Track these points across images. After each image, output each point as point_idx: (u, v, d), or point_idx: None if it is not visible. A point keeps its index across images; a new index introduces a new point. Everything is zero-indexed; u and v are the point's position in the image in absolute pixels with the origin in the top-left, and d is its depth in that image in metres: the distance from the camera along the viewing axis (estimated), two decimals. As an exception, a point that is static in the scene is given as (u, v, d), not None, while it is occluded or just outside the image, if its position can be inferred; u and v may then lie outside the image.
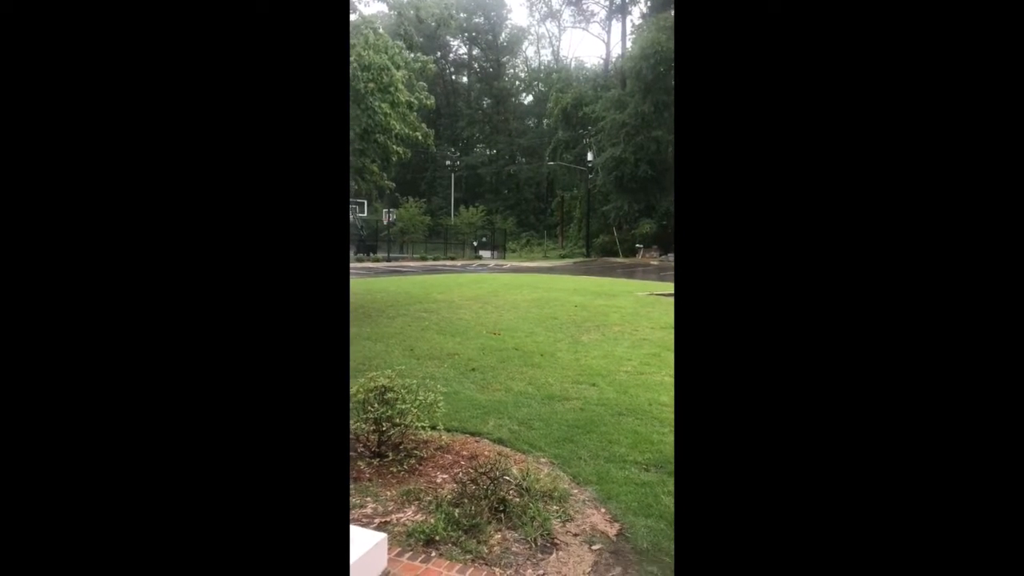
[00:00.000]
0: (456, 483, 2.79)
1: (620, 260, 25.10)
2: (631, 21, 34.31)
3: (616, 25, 38.36)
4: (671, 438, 3.46)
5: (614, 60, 35.84)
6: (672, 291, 12.36)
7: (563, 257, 28.13)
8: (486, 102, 44.18)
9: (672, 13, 26.22)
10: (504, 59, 44.58)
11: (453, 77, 45.16)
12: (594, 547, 2.34)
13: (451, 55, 44.60)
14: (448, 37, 40.67)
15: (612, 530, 2.47)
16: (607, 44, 48.00)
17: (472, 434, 3.52)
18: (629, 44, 31.02)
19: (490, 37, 43.33)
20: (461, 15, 38.82)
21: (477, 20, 42.56)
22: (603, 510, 2.64)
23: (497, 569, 2.17)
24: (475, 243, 29.87)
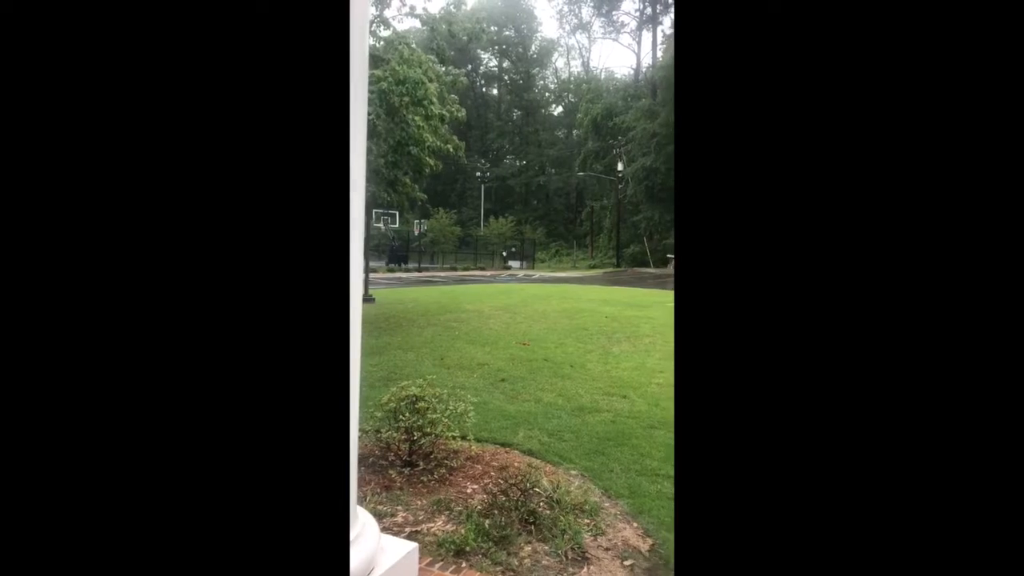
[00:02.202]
0: (486, 494, 2.78)
1: (651, 270, 24.81)
2: (662, 31, 34.19)
3: (646, 35, 38.27)
4: (705, 452, 3.38)
5: (644, 70, 35.70)
6: (705, 302, 12.17)
7: (593, 267, 27.97)
8: (516, 114, 44.51)
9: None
10: (534, 71, 44.90)
11: (484, 89, 45.67)
12: (626, 562, 2.30)
13: (482, 68, 45.13)
14: (479, 50, 41.20)
15: (644, 545, 2.43)
16: (637, 54, 47.79)
17: (502, 445, 3.51)
18: (660, 54, 30.86)
19: (520, 49, 43.72)
20: (492, 28, 39.34)
21: (507, 33, 43.03)
22: (635, 524, 2.59)
23: (527, 582, 2.15)
24: (504, 253, 29.95)
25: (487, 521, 2.48)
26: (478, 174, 41.10)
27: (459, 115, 9.53)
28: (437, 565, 2.23)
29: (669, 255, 26.40)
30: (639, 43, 42.39)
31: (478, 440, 3.43)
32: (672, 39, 27.98)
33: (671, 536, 2.47)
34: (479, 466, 3.14)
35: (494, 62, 45.36)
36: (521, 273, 24.31)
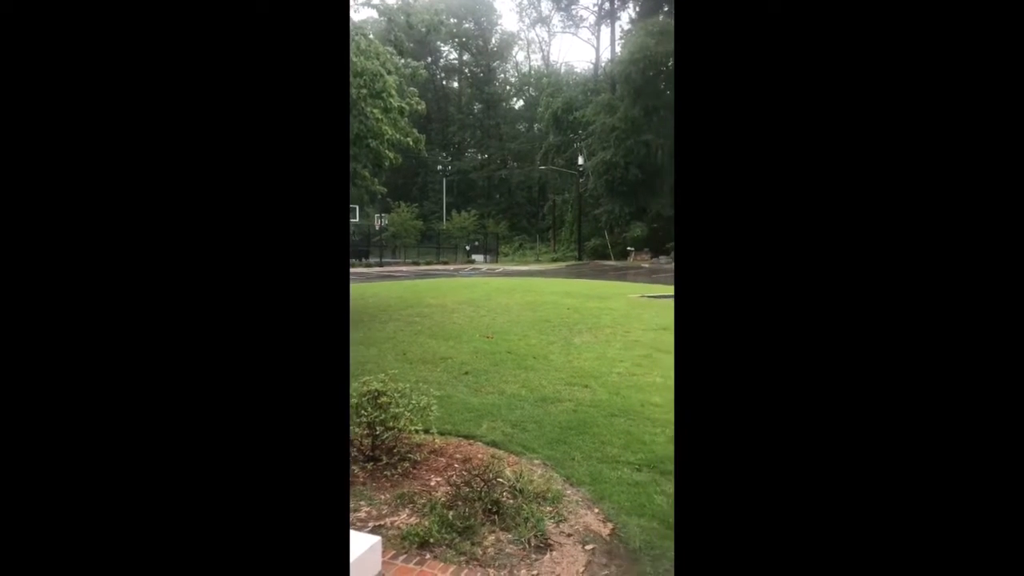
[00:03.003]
0: (450, 486, 2.80)
1: (612, 263, 25.19)
2: (620, 26, 34.58)
3: (605, 30, 38.64)
4: (663, 438, 3.49)
5: (604, 65, 36.04)
6: (663, 293, 12.40)
7: (555, 260, 28.19)
8: (477, 107, 44.25)
9: (660, 18, 26.45)
10: (495, 64, 44.72)
11: (444, 82, 45.21)
12: (587, 547, 2.36)
13: (442, 60, 44.67)
14: (439, 42, 40.76)
15: (605, 530, 2.49)
16: (597, 49, 48.29)
17: (466, 437, 3.53)
18: (618, 49, 31.22)
19: (480, 42, 43.45)
20: (451, 20, 38.94)
21: (467, 25, 42.68)
22: (596, 510, 2.66)
23: (491, 570, 2.18)
24: (467, 247, 29.87)
25: (451, 513, 2.49)
26: (440, 168, 40.80)
27: (419, 108, 9.42)
28: (401, 558, 2.24)
29: (629, 248, 26.85)
30: (598, 38, 42.77)
31: (442, 433, 3.43)
32: (629, 35, 28.35)
33: (630, 520, 2.55)
34: (443, 459, 3.15)
35: (454, 55, 44.96)
36: (485, 267, 24.29)
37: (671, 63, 25.46)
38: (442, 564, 2.20)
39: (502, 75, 45.99)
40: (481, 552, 2.28)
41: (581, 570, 2.21)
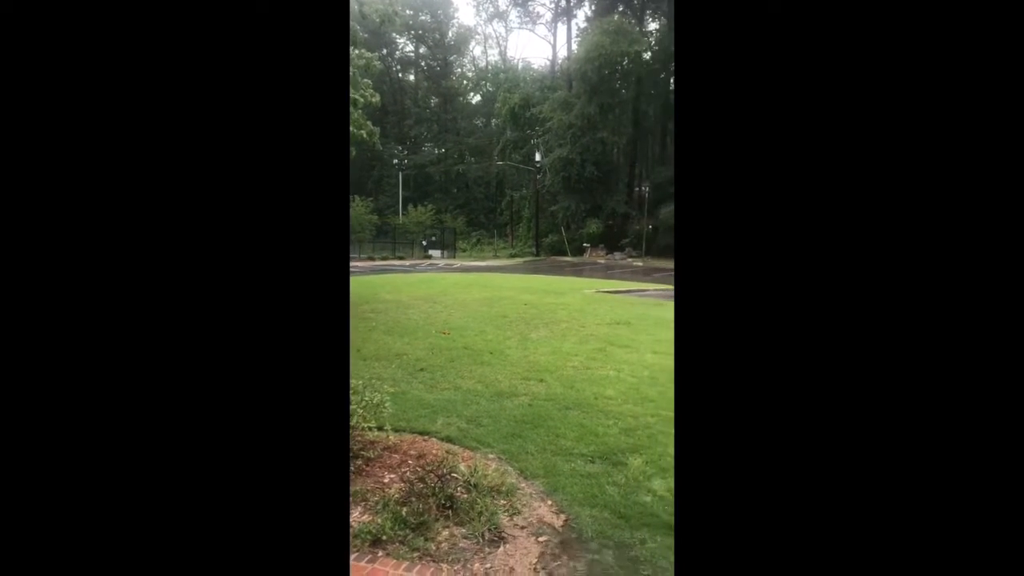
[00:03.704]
0: (404, 482, 2.78)
1: (569, 259, 25.47)
2: (576, 24, 34.87)
3: (562, 28, 38.90)
4: (615, 430, 3.56)
5: (560, 62, 36.29)
6: (617, 288, 12.60)
7: (513, 256, 28.27)
8: (434, 101, 43.78)
9: (615, 17, 26.81)
10: (452, 58, 44.31)
11: (400, 75, 44.50)
12: (541, 538, 2.39)
13: (397, 52, 43.91)
14: (394, 34, 40.02)
15: (558, 521, 2.53)
16: (553, 46, 48.59)
17: (420, 433, 3.50)
18: (574, 47, 31.48)
19: (437, 35, 42.95)
20: (407, 12, 38.30)
21: (423, 18, 42.10)
22: (549, 502, 2.69)
23: (444, 565, 2.18)
24: (424, 242, 29.56)
25: (404, 509, 2.48)
26: (395, 161, 40.13)
27: (373, 100, 9.26)
28: (353, 556, 2.21)
29: (585, 244, 27.19)
30: (555, 35, 42.98)
31: (396, 430, 3.40)
32: (585, 33, 28.64)
33: (583, 511, 2.60)
34: (396, 455, 3.12)
35: (410, 47, 44.28)
36: (442, 262, 24.12)
37: (626, 62, 25.88)
38: (395, 561, 2.18)
39: (459, 69, 45.63)
40: (435, 547, 2.27)
41: (534, 561, 2.24)
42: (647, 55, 27.44)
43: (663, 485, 2.83)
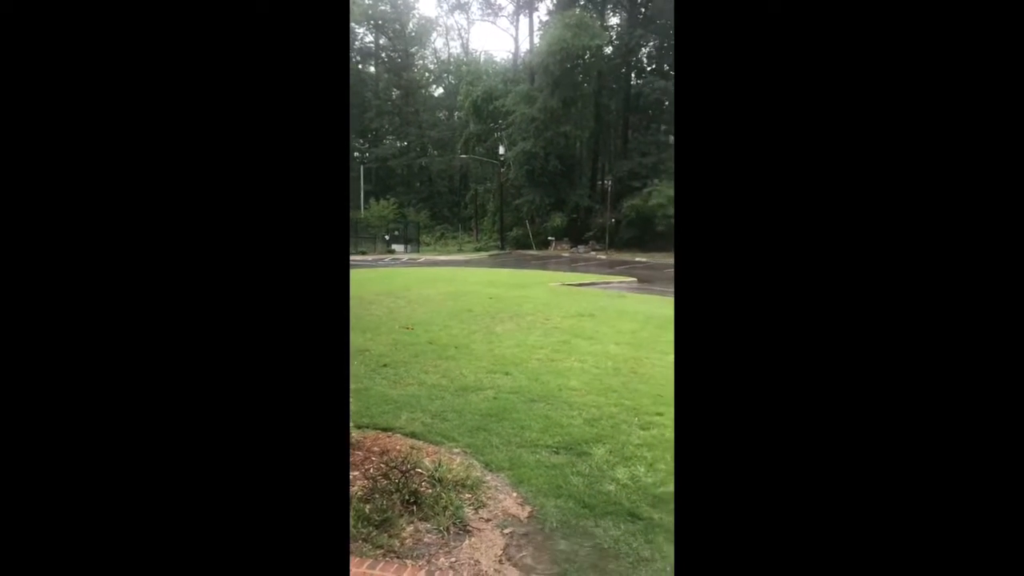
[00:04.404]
0: (367, 479, 2.74)
1: (534, 252, 25.57)
2: (538, 17, 34.85)
3: (524, 20, 38.84)
4: (579, 420, 3.60)
5: (523, 55, 36.23)
6: (582, 281, 12.74)
7: (478, 250, 28.20)
8: (395, 93, 43.08)
9: (577, 11, 26.91)
10: (413, 49, 43.66)
11: (360, 66, 43.59)
12: (506, 531, 2.40)
13: (357, 43, 42.98)
14: (353, 24, 39.17)
15: (523, 513, 2.54)
16: (515, 39, 48.48)
17: (384, 430, 3.46)
18: (537, 40, 31.48)
19: (397, 26, 42.23)
20: (366, 1, 37.56)
21: (383, 8, 41.33)
22: (515, 494, 2.70)
23: (409, 561, 2.16)
24: (387, 237, 29.15)
25: (367, 506, 2.44)
26: (356, 155, 39.38)
27: (331, 91, 9.02)
28: (314, 557, 2.17)
29: (550, 237, 27.35)
30: (517, 27, 42.89)
31: (359, 427, 3.35)
32: (547, 26, 28.66)
33: (548, 502, 2.61)
34: (360, 452, 3.07)
35: (370, 38, 43.40)
36: (405, 257, 23.86)
37: (588, 56, 26.03)
38: (358, 559, 2.15)
39: (421, 61, 45.03)
40: (399, 544, 2.25)
41: (499, 553, 2.24)
42: (608, 49, 27.70)
43: (626, 473, 2.88)
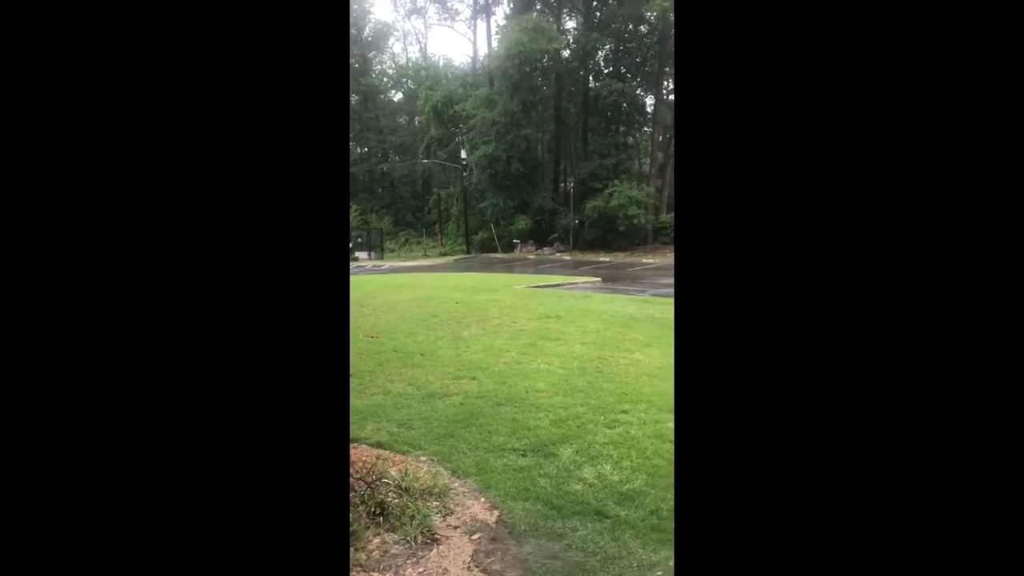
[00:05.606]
0: (332, 493, 2.69)
1: (500, 255, 25.59)
2: (495, 22, 34.96)
3: (482, 24, 38.88)
4: (546, 422, 3.62)
5: (481, 59, 36.29)
6: (547, 283, 12.79)
7: (444, 255, 28.04)
8: (354, 99, 42.51)
9: (534, 15, 27.12)
10: (370, 55, 43.21)
11: (316, 72, 42.86)
12: (474, 536, 2.39)
13: (312, 48, 42.25)
14: (308, 29, 38.48)
15: (491, 517, 2.54)
16: (474, 43, 48.42)
17: (350, 441, 3.40)
18: (495, 44, 31.56)
19: (353, 31, 41.71)
20: (321, 6, 36.90)
21: (339, 13, 40.74)
22: (483, 499, 2.70)
23: (375, 574, 2.13)
24: (350, 244, 28.71)
25: (332, 521, 2.39)
26: (316, 162, 38.61)
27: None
28: None
29: (515, 240, 27.41)
30: (474, 32, 42.91)
31: (322, 440, 3.28)
32: (504, 30, 28.76)
33: (516, 505, 2.62)
34: (324, 467, 3.01)
35: (326, 43, 42.74)
36: (370, 264, 23.53)
37: (546, 59, 26.23)
38: None
39: (379, 66, 44.56)
40: (366, 557, 2.21)
41: (467, 560, 2.23)
42: (566, 53, 27.95)
43: (592, 472, 2.91)
